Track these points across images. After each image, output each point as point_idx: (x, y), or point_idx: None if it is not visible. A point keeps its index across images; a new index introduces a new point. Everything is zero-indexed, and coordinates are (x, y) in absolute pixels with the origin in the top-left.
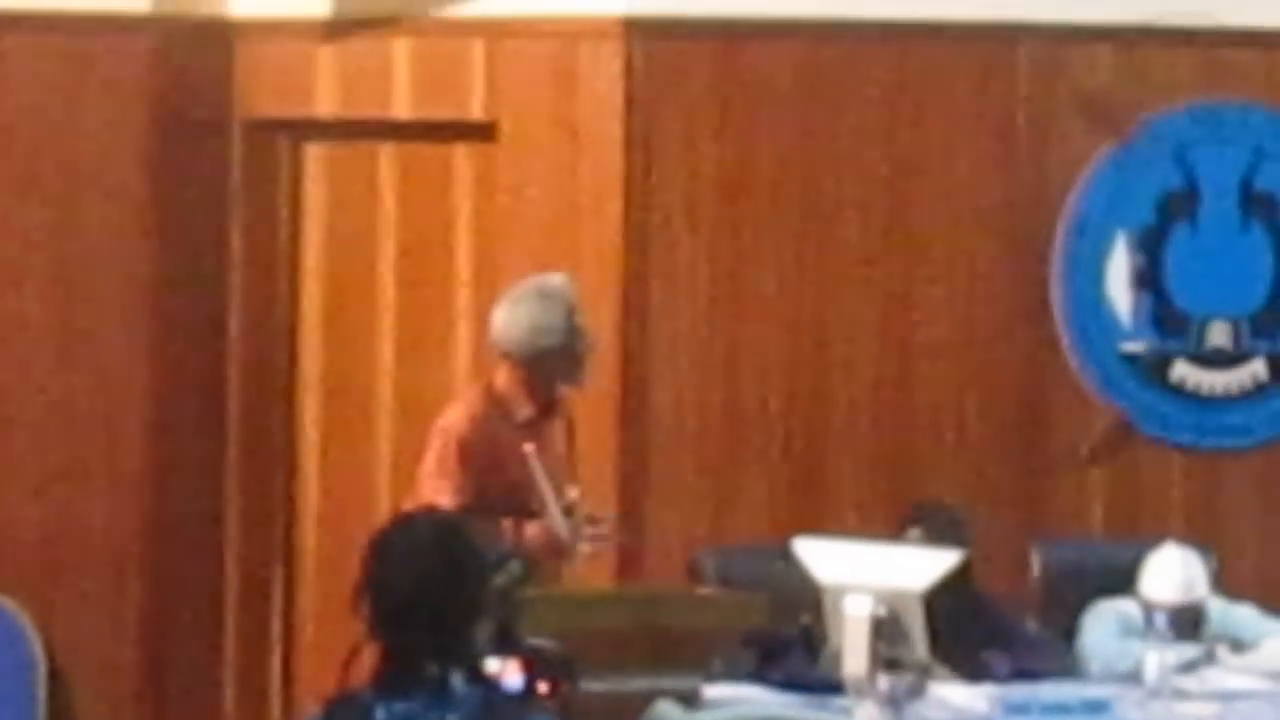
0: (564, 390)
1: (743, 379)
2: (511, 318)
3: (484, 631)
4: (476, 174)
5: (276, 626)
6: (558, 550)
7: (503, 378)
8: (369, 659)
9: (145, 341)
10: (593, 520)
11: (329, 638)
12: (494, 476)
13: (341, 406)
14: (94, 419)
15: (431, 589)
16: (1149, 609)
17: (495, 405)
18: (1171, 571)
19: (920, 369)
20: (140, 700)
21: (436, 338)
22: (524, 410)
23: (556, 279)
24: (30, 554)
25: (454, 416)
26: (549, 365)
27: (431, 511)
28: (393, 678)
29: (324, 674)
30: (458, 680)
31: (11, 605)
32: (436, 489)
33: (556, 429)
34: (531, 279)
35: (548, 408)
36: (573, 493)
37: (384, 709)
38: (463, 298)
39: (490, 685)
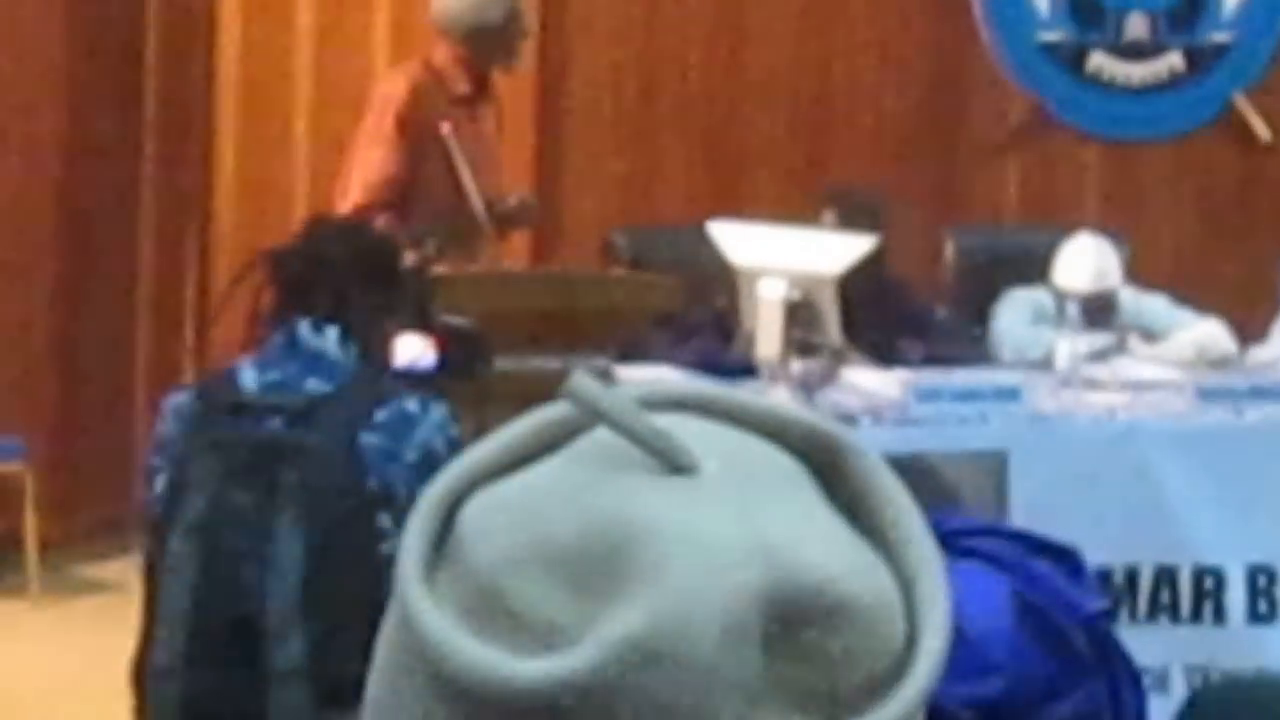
0: (494, 71)
1: (661, 58)
2: None
3: (386, 326)
4: None
5: (191, 296)
6: (475, 230)
7: (441, 54)
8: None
9: (62, 7)
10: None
11: (242, 315)
12: (430, 147)
13: (260, 90)
14: (7, 84)
15: (333, 248)
16: (1062, 297)
17: (434, 78)
18: (1085, 260)
19: (837, 53)
20: (51, 374)
21: (355, 22)
22: (460, 86)
23: None
24: None
25: (394, 84)
26: (486, 43)
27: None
28: (271, 334)
29: (236, 348)
30: (333, 347)
31: None
32: (373, 154)
33: (488, 110)
34: None
35: (482, 87)
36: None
37: (256, 378)
38: None
39: (372, 359)
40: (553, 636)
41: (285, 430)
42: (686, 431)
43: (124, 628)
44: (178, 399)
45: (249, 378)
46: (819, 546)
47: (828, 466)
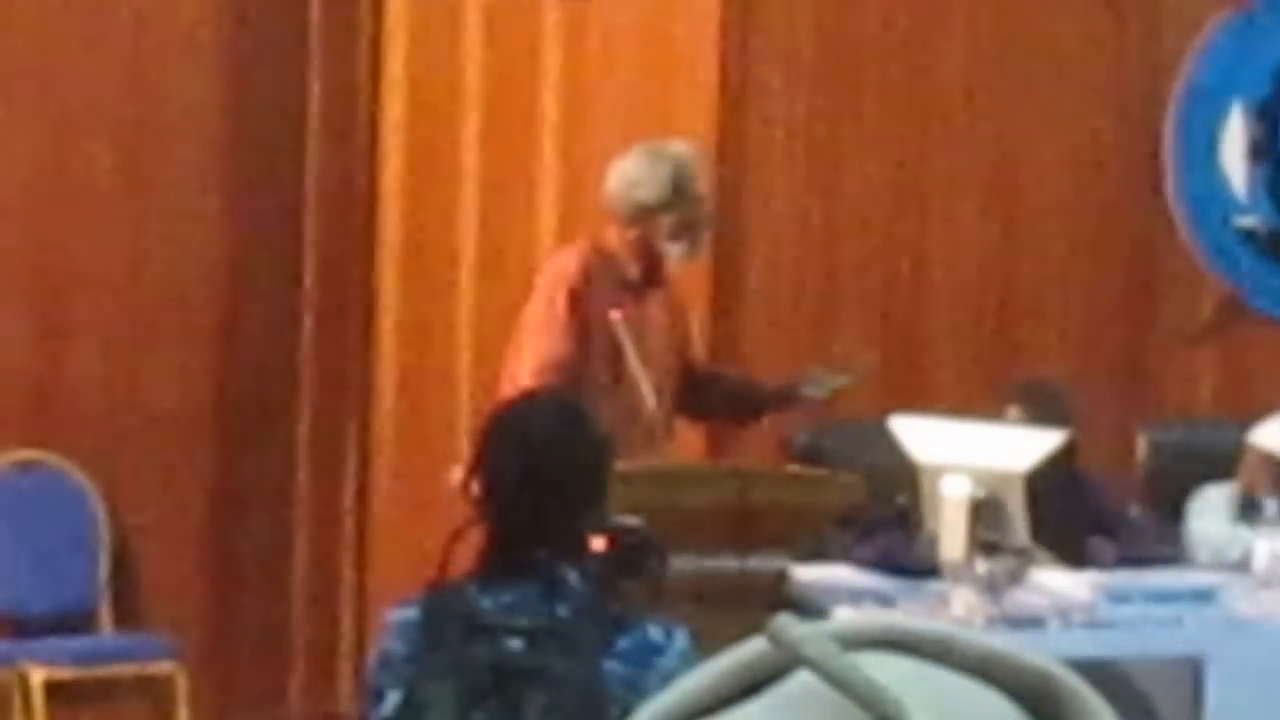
0: (671, 260)
1: (840, 249)
2: (616, 172)
3: (595, 518)
4: (566, 28)
5: (350, 493)
6: (643, 423)
7: (610, 235)
8: (472, 545)
9: (219, 200)
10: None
11: (404, 507)
12: (598, 333)
13: (422, 268)
14: (163, 280)
15: (551, 469)
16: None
17: (603, 260)
18: None
19: (1025, 240)
20: (205, 571)
21: (521, 198)
22: (630, 270)
23: (678, 143)
24: (96, 419)
25: (566, 264)
26: (652, 225)
27: (553, 391)
28: (499, 565)
29: (397, 545)
30: (570, 572)
31: (75, 471)
32: (544, 336)
33: (658, 298)
34: (653, 140)
35: (652, 273)
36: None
37: (489, 599)
38: (549, 157)
39: (602, 581)
40: None
41: (527, 653)
42: (894, 675)
43: None
44: (405, 615)
45: (482, 598)
46: None
47: (1044, 710)
